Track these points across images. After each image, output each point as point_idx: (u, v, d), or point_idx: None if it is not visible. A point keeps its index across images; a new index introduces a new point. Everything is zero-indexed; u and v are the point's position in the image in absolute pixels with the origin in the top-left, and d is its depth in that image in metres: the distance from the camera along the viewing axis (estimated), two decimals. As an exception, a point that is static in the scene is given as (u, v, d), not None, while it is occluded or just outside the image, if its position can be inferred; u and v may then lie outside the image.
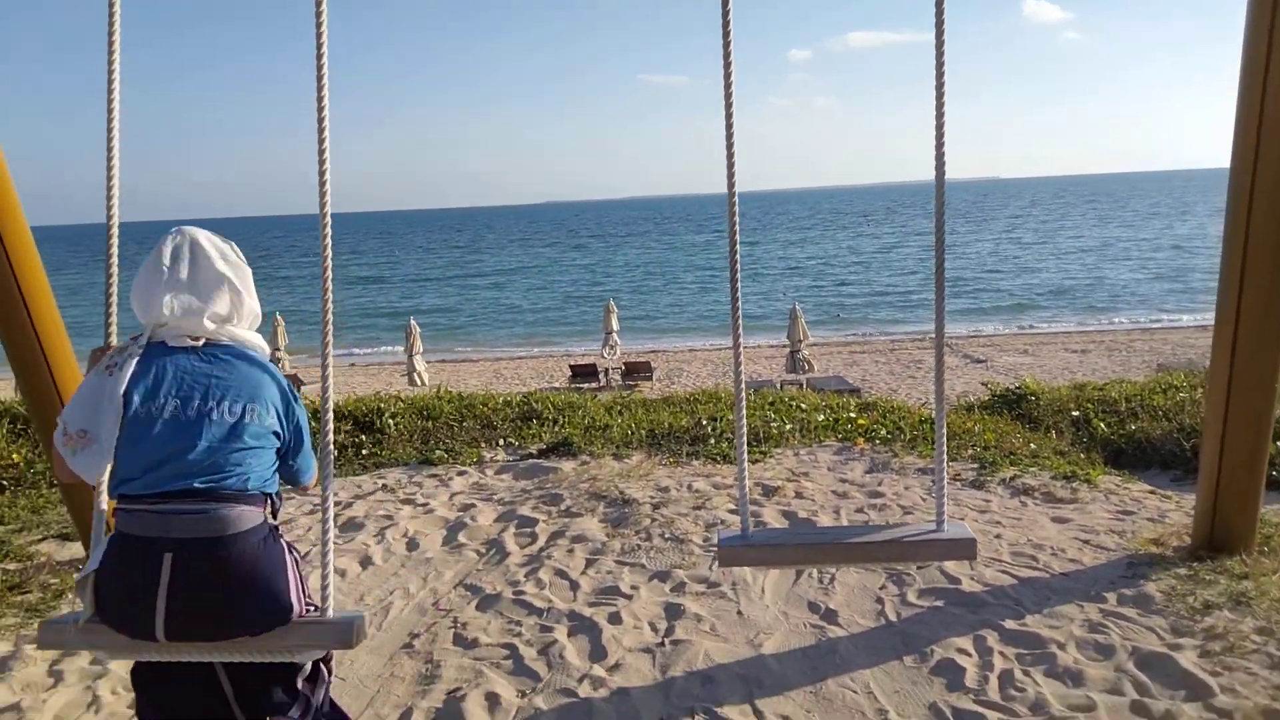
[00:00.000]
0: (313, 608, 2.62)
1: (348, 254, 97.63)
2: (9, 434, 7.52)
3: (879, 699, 3.40)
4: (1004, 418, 8.19)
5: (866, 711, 3.33)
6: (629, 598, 4.35)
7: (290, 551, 2.57)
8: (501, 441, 7.27)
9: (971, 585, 4.27)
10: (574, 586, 4.52)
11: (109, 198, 2.86)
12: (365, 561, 4.97)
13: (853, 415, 7.60)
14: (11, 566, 5.11)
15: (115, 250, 2.89)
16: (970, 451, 6.46)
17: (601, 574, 4.65)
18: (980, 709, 3.27)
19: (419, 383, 19.71)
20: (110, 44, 2.85)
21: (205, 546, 2.36)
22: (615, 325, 22.95)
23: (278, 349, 23.63)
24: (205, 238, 2.57)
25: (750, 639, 3.91)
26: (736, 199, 2.89)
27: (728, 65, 2.84)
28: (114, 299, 2.90)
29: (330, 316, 2.79)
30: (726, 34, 2.83)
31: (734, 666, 3.69)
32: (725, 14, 2.82)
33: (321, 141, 2.76)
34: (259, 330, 2.68)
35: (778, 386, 15.98)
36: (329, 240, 2.77)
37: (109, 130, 2.85)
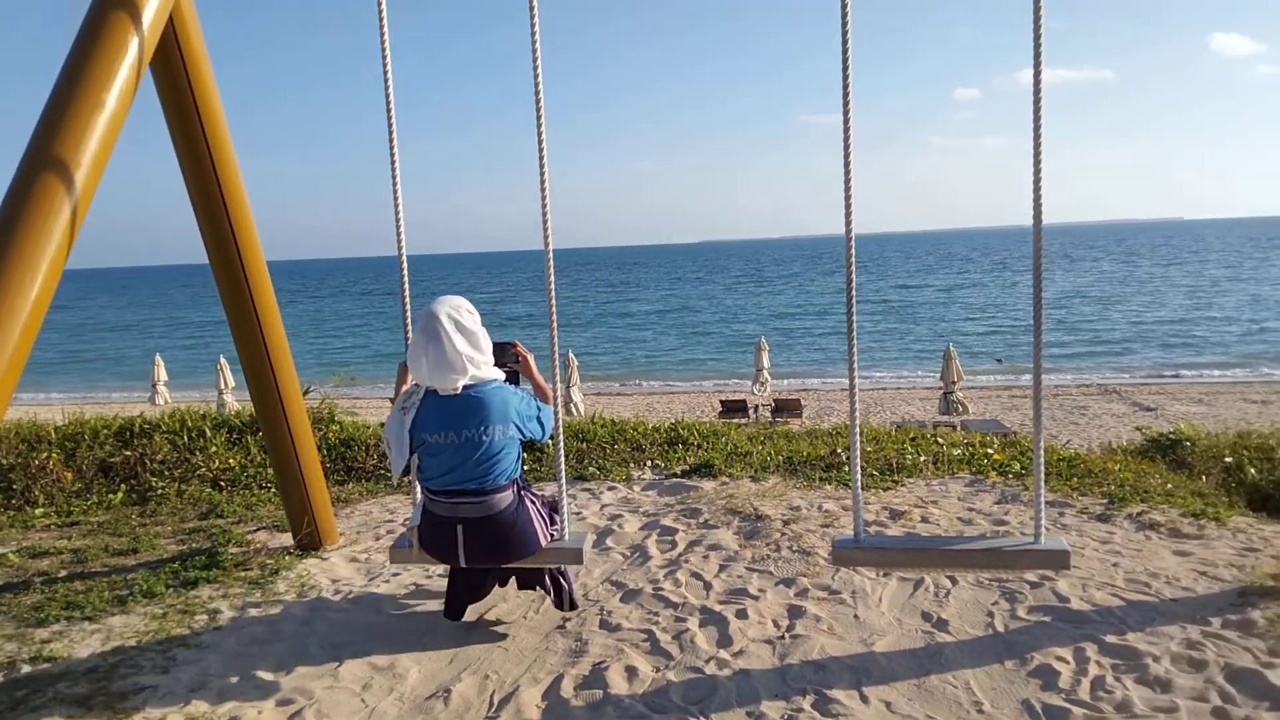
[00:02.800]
0: (555, 535, 4.17)
1: (501, 291, 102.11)
2: (226, 442, 8.68)
3: (976, 693, 3.75)
4: (1157, 463, 8.15)
5: (963, 703, 3.69)
6: (756, 598, 4.83)
7: (534, 504, 4.08)
8: (649, 463, 7.87)
9: (1080, 604, 4.53)
10: (707, 587, 5.03)
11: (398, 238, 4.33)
12: (525, 558, 5.64)
13: (990, 451, 7.79)
14: (234, 550, 6.06)
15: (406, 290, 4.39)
16: (1103, 489, 6.58)
17: (733, 578, 5.14)
18: (1069, 705, 3.58)
19: (575, 412, 20.65)
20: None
21: (481, 521, 3.91)
22: (766, 363, 23.36)
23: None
24: (443, 320, 3.67)
25: (864, 639, 4.31)
26: (854, 229, 3.39)
27: (846, 107, 3.36)
28: (407, 323, 4.28)
29: (557, 343, 4.19)
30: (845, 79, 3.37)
31: (846, 660, 4.11)
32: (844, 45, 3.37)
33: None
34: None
35: (930, 428, 15.98)
36: (552, 272, 4.17)
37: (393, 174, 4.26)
